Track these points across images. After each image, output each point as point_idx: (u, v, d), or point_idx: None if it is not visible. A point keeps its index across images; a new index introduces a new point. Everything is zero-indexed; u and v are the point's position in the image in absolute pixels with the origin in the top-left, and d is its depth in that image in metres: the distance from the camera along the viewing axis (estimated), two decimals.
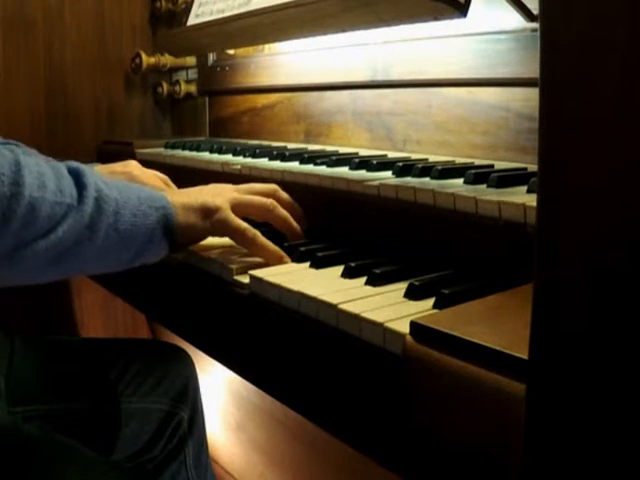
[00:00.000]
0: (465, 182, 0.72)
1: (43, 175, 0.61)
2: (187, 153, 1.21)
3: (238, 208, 0.74)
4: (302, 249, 0.73)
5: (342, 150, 1.08)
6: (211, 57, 1.48)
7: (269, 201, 0.77)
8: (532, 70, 0.80)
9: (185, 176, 1.00)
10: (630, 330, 0.34)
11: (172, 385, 1.03)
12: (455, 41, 0.91)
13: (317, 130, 1.20)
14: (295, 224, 0.78)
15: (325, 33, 1.00)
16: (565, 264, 0.36)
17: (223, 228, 0.73)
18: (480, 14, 0.86)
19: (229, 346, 0.74)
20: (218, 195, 0.74)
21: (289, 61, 1.25)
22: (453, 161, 0.88)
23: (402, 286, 0.59)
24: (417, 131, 1.00)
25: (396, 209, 0.72)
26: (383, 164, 0.85)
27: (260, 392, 0.72)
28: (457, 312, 0.50)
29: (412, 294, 0.57)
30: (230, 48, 1.39)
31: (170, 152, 1.25)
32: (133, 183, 0.77)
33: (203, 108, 1.53)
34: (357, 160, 0.86)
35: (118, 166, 0.90)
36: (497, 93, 0.88)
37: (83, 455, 0.79)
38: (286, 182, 0.86)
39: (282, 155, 1.00)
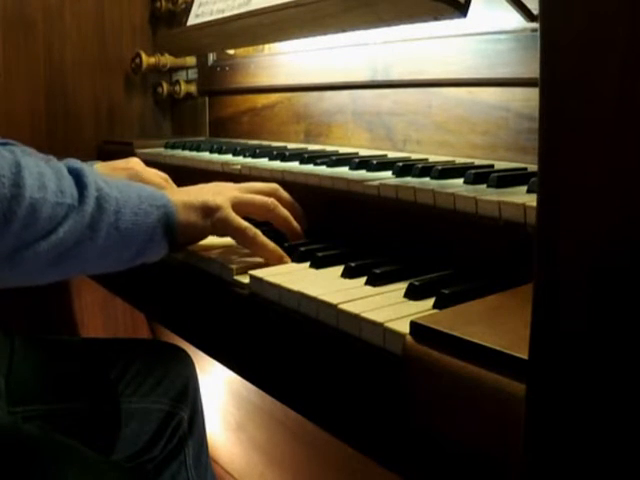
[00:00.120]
0: (465, 182, 0.72)
1: (43, 176, 0.61)
2: (187, 153, 1.21)
3: (239, 207, 0.74)
4: (302, 249, 0.73)
5: (342, 150, 1.08)
6: (211, 57, 1.48)
7: (270, 200, 0.77)
8: (532, 70, 0.80)
9: (185, 176, 0.99)
10: (630, 330, 0.34)
11: (172, 385, 1.03)
12: (455, 41, 0.91)
13: (317, 130, 1.20)
14: (295, 224, 0.78)
15: (325, 33, 1.00)
16: (565, 264, 0.36)
17: (224, 227, 0.73)
18: (480, 14, 0.86)
19: (229, 346, 0.74)
20: (219, 194, 0.74)
21: (289, 61, 1.25)
22: (453, 161, 0.88)
23: (402, 286, 0.59)
24: (417, 131, 1.00)
25: (396, 209, 0.72)
26: (383, 164, 0.85)
27: (260, 392, 0.72)
28: (457, 312, 0.50)
29: (412, 294, 0.57)
30: (230, 48, 1.39)
31: (170, 152, 1.25)
32: (134, 181, 0.77)
33: (203, 108, 1.53)
34: (357, 160, 0.86)
35: (120, 163, 0.90)
36: (497, 93, 0.88)
37: (83, 455, 0.79)
38: (286, 182, 0.86)
39: (282, 155, 1.00)
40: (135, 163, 0.91)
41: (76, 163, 0.67)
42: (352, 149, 1.08)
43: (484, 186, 0.69)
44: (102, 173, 0.73)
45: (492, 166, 0.83)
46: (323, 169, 0.88)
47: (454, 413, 0.44)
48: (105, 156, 1.33)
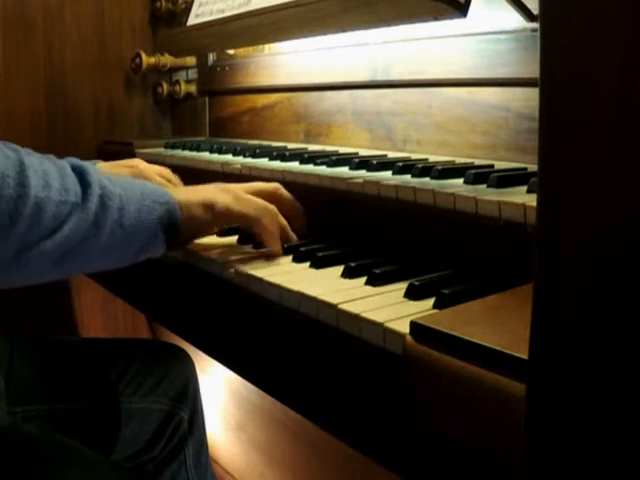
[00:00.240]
0: (465, 182, 0.72)
1: (47, 174, 0.61)
2: (187, 153, 1.21)
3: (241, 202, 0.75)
4: (302, 249, 0.73)
5: (342, 150, 1.08)
6: (211, 57, 1.48)
7: (267, 212, 0.76)
8: (532, 70, 0.80)
9: (185, 176, 0.99)
10: (630, 330, 0.34)
11: (172, 385, 1.03)
12: (455, 41, 0.91)
13: (317, 130, 1.20)
14: (292, 234, 0.79)
15: (325, 33, 1.00)
16: (565, 264, 0.36)
17: (227, 216, 0.74)
18: (480, 14, 0.86)
19: (229, 346, 0.74)
20: (221, 191, 0.75)
21: (289, 61, 1.25)
22: (453, 161, 0.88)
23: (402, 286, 0.59)
24: (417, 131, 1.00)
25: (396, 209, 0.72)
26: (383, 164, 0.85)
27: (260, 392, 0.72)
28: (457, 312, 0.50)
29: (412, 294, 0.57)
30: (230, 48, 1.39)
31: (170, 152, 1.25)
32: (136, 178, 0.77)
33: (203, 108, 1.53)
34: (357, 160, 0.86)
35: (123, 162, 0.91)
36: (497, 93, 0.88)
37: (83, 455, 0.79)
38: (286, 182, 0.86)
39: (282, 155, 1.00)
40: (138, 162, 0.92)
41: (78, 161, 0.67)
42: (352, 149, 1.08)
43: (484, 186, 0.69)
44: (105, 171, 0.73)
45: (492, 166, 0.83)
46: (323, 169, 0.88)
47: (454, 413, 0.44)
48: (105, 156, 1.33)
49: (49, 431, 0.82)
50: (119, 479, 0.81)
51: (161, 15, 1.55)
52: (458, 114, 0.93)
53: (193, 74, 1.54)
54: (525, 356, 0.39)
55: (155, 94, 1.58)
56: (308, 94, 1.22)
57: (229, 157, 1.10)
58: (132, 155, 1.28)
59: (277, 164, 0.96)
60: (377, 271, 0.62)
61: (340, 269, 0.67)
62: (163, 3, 1.52)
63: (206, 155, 1.15)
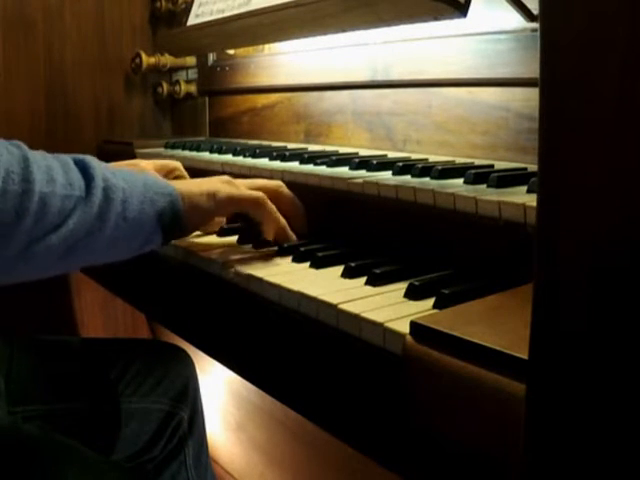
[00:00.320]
0: (465, 182, 0.72)
1: (51, 169, 0.61)
2: (187, 153, 1.21)
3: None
4: (302, 249, 0.73)
5: (342, 150, 1.08)
6: (211, 57, 1.48)
7: (266, 212, 0.77)
8: (532, 70, 0.80)
9: None
10: (630, 330, 0.34)
11: (172, 385, 1.03)
12: (455, 41, 0.91)
13: (317, 130, 1.20)
14: (291, 233, 0.79)
15: (325, 33, 1.00)
16: (565, 264, 0.36)
17: (229, 202, 0.74)
18: (480, 14, 0.86)
19: (229, 346, 0.74)
20: (223, 182, 0.76)
21: (289, 61, 1.25)
22: (453, 161, 0.88)
23: (402, 286, 0.59)
24: (417, 131, 1.00)
25: (396, 209, 0.72)
26: (383, 164, 0.85)
27: (260, 392, 0.72)
28: (457, 312, 0.50)
29: (412, 294, 0.57)
30: (230, 48, 1.39)
31: (170, 152, 1.25)
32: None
33: (203, 108, 1.53)
34: (357, 160, 0.86)
35: (123, 162, 0.91)
36: (497, 93, 0.88)
37: (83, 455, 0.79)
38: (286, 182, 0.86)
39: (282, 155, 1.00)
40: (139, 161, 0.92)
41: (80, 155, 0.67)
42: (352, 149, 1.08)
43: (484, 186, 0.69)
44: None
45: (492, 166, 0.83)
46: (323, 169, 0.88)
47: (454, 413, 0.44)
48: (105, 156, 1.33)
49: (49, 431, 0.82)
50: (119, 479, 0.81)
51: (161, 15, 1.55)
52: (458, 114, 0.93)
53: (193, 74, 1.54)
54: (525, 356, 0.39)
55: (155, 94, 1.58)
56: (308, 94, 1.22)
57: (229, 157, 1.10)
58: (132, 155, 1.28)
59: (277, 164, 0.96)
60: (377, 271, 0.62)
61: (340, 269, 0.67)
62: (163, 3, 1.52)
63: (206, 155, 1.15)
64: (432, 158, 0.92)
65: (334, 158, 0.90)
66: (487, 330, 0.45)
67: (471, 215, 0.64)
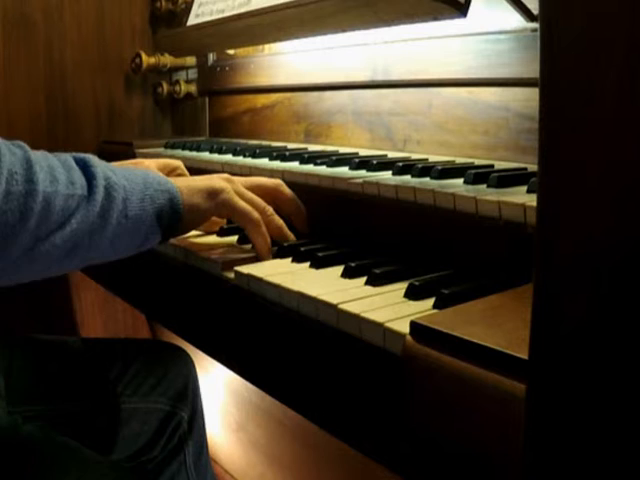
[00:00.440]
0: (465, 182, 0.72)
1: (53, 169, 0.61)
2: (187, 153, 1.21)
3: (240, 198, 0.76)
4: (302, 249, 0.73)
5: (342, 150, 1.08)
6: (211, 57, 1.48)
7: (263, 212, 0.77)
8: (532, 70, 0.80)
9: None
10: (630, 330, 0.34)
11: (172, 385, 1.03)
12: (455, 41, 0.91)
13: (317, 130, 1.20)
14: (289, 233, 0.79)
15: (325, 33, 1.00)
16: (565, 264, 0.36)
17: (227, 208, 0.74)
18: (480, 14, 0.86)
19: (229, 346, 0.74)
20: (224, 180, 0.76)
21: (289, 61, 1.25)
22: (453, 161, 0.88)
23: (402, 286, 0.59)
24: (417, 131, 1.00)
25: (396, 209, 0.72)
26: (383, 164, 0.85)
27: (260, 392, 0.72)
28: (457, 312, 0.50)
29: (412, 294, 0.57)
30: (230, 48, 1.39)
31: (170, 152, 1.25)
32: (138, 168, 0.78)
33: (203, 108, 1.53)
34: (357, 160, 0.86)
35: (126, 162, 0.91)
36: (497, 93, 0.88)
37: (83, 455, 0.79)
38: (286, 182, 0.86)
39: (282, 155, 1.00)
40: (142, 160, 0.92)
41: (80, 154, 0.68)
42: (352, 149, 1.08)
43: (484, 186, 0.69)
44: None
45: (492, 166, 0.83)
46: (323, 169, 0.88)
47: (454, 413, 0.44)
48: (105, 156, 1.33)
49: (49, 431, 0.82)
50: (119, 479, 0.81)
51: (161, 15, 1.54)
52: (458, 114, 0.93)
53: (193, 74, 1.54)
54: (525, 356, 0.39)
55: (155, 94, 1.58)
56: (308, 94, 1.22)
57: (229, 157, 1.10)
58: (132, 155, 1.28)
59: (277, 164, 0.96)
60: (377, 271, 0.62)
61: (340, 269, 0.67)
62: (163, 3, 1.52)
63: (206, 155, 1.15)
64: (432, 158, 0.92)
65: (334, 158, 0.90)
66: (487, 330, 0.45)
67: (471, 215, 0.64)
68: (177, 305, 0.86)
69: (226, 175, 0.78)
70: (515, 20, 0.82)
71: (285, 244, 0.76)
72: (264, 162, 1.00)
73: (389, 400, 0.51)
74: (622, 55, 0.33)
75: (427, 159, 0.91)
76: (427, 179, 0.75)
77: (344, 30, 0.91)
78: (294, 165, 0.94)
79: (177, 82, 1.53)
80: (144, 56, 1.49)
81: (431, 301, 0.55)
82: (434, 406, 0.46)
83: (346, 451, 1.13)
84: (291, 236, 0.79)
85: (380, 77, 1.05)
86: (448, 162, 0.87)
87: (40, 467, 0.72)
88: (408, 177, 0.77)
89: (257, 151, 1.06)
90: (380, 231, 0.76)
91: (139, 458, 0.97)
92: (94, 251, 0.65)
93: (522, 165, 0.81)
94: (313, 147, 1.15)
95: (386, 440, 0.52)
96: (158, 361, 1.05)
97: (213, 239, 0.86)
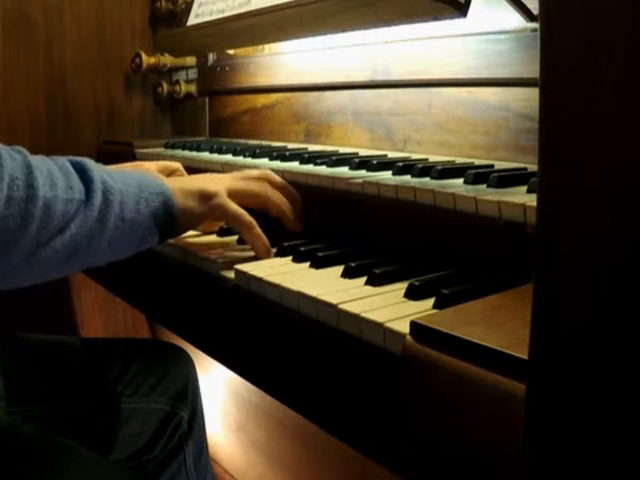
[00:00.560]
0: (465, 182, 0.72)
1: (52, 174, 0.61)
2: (187, 153, 1.21)
3: (234, 195, 0.77)
4: (302, 249, 0.73)
5: (342, 150, 1.08)
6: (211, 57, 1.48)
7: (263, 188, 0.78)
8: (532, 70, 0.80)
9: None
10: (630, 330, 0.34)
11: (172, 385, 1.03)
12: (455, 41, 0.91)
13: (317, 130, 1.20)
14: (289, 211, 0.80)
15: (325, 33, 1.00)
16: (565, 264, 0.36)
17: (220, 212, 0.75)
18: (480, 14, 0.86)
19: (229, 346, 0.74)
20: (215, 181, 0.76)
21: (289, 61, 1.25)
22: (453, 161, 0.88)
23: (402, 286, 0.59)
24: (417, 131, 1.00)
25: (396, 209, 0.72)
26: (383, 164, 0.85)
27: (260, 392, 0.72)
28: (457, 312, 0.50)
29: (412, 294, 0.57)
30: (230, 48, 1.39)
31: (170, 152, 1.25)
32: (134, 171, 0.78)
33: (203, 108, 1.53)
34: (357, 160, 0.86)
35: (126, 165, 0.91)
36: (497, 93, 0.88)
37: (83, 455, 0.78)
38: (287, 182, 0.86)
39: (282, 155, 1.00)
40: (142, 163, 0.92)
41: (76, 157, 0.68)
42: (352, 149, 1.08)
43: (484, 186, 0.69)
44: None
45: (492, 166, 0.83)
46: (323, 169, 0.88)
47: (454, 413, 0.44)
48: (105, 156, 1.33)
49: (49, 431, 0.82)
50: (119, 479, 0.81)
51: (161, 15, 1.55)
52: (458, 114, 0.93)
53: (193, 74, 1.54)
54: (525, 356, 0.39)
55: (155, 94, 1.58)
56: (308, 94, 1.22)
57: (229, 157, 1.10)
58: (132, 155, 1.28)
59: (277, 164, 0.96)
60: (377, 271, 0.62)
61: (340, 269, 0.67)
62: (163, 3, 1.52)
63: (206, 155, 1.15)
64: (432, 158, 0.92)
65: (334, 158, 0.90)
66: (487, 330, 0.45)
67: (471, 215, 0.64)
68: (177, 305, 0.86)
69: (216, 176, 0.79)
70: (515, 20, 0.82)
71: (285, 244, 0.76)
72: (264, 162, 1.00)
73: (389, 400, 0.51)
74: (622, 55, 0.33)
75: (427, 159, 0.91)
76: (427, 179, 0.75)
77: (344, 30, 0.91)
78: (294, 165, 0.94)
79: (177, 82, 1.53)
80: (144, 56, 1.49)
81: (431, 301, 0.55)
82: (434, 406, 0.46)
83: (346, 451, 1.13)
84: (291, 213, 0.80)
85: (380, 77, 1.05)
86: (448, 162, 0.87)
87: (40, 467, 0.72)
88: (408, 177, 0.77)
89: (257, 151, 1.06)
90: (380, 231, 0.76)
91: (139, 458, 0.97)
92: (93, 254, 0.66)
93: (522, 165, 0.81)
94: (313, 147, 1.15)
95: (386, 440, 0.52)
96: (158, 361, 1.05)
97: (213, 239, 0.86)
